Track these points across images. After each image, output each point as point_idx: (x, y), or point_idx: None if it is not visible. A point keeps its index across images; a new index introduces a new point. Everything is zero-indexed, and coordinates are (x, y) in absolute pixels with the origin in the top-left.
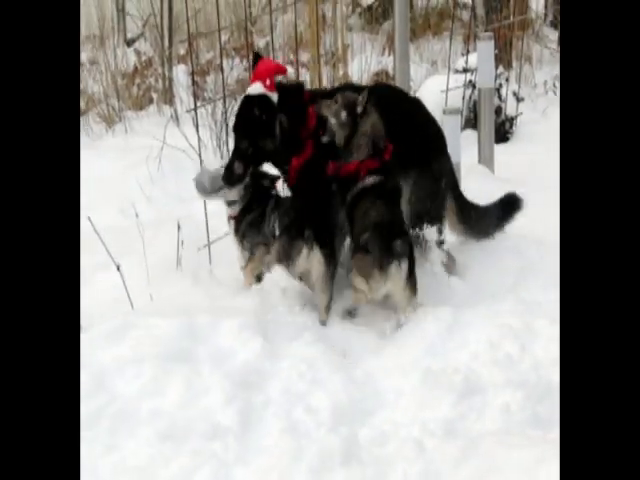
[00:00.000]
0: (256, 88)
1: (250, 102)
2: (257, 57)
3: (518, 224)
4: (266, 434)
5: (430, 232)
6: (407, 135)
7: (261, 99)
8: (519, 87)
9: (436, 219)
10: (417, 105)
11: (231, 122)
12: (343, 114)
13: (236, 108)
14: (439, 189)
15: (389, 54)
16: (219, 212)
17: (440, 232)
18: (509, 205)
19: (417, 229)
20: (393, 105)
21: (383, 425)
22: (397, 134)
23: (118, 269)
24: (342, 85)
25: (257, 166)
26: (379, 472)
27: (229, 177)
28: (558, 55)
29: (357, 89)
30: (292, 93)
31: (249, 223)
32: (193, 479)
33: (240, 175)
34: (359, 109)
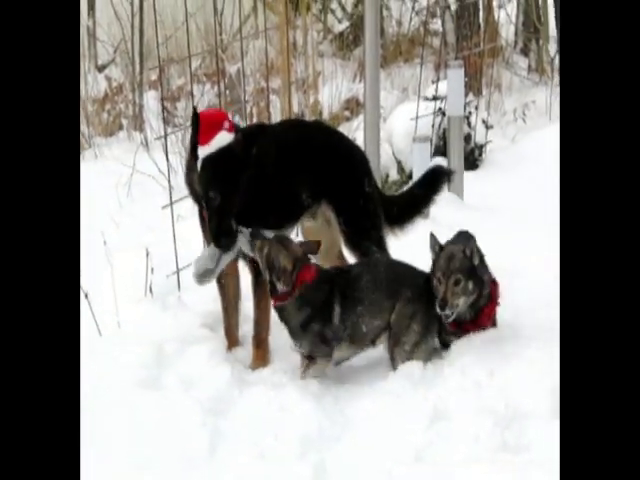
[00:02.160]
0: (223, 138)
1: (232, 152)
2: (195, 112)
3: (488, 250)
4: (235, 461)
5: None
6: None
7: (242, 146)
8: (488, 114)
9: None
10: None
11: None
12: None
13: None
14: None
15: (360, 80)
16: (187, 239)
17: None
18: (434, 178)
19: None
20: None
21: (352, 452)
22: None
23: (86, 297)
24: (284, 121)
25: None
26: None
27: (229, 241)
28: (528, 82)
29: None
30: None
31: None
32: None
33: (236, 232)
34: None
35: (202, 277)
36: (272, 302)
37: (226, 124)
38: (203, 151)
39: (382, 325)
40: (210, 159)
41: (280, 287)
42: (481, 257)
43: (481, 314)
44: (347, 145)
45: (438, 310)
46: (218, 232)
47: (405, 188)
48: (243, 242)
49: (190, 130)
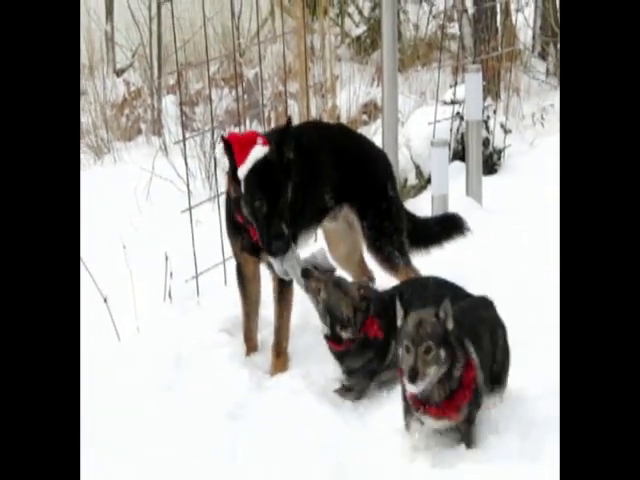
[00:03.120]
0: (259, 151)
1: (267, 161)
2: (226, 141)
3: (507, 255)
4: (254, 466)
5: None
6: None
7: (277, 152)
8: (507, 119)
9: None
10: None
11: (220, 153)
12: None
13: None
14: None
15: (378, 85)
16: (206, 243)
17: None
18: (450, 224)
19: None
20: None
21: (370, 456)
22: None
23: (105, 301)
24: (305, 123)
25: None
26: None
27: (282, 244)
28: (546, 86)
29: (322, 127)
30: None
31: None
32: None
33: (289, 236)
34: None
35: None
36: (331, 345)
37: (259, 140)
38: (242, 170)
39: None
40: (250, 174)
41: (344, 335)
42: (459, 324)
43: (450, 399)
44: (370, 148)
45: (407, 382)
46: (269, 237)
47: (422, 217)
48: (291, 262)
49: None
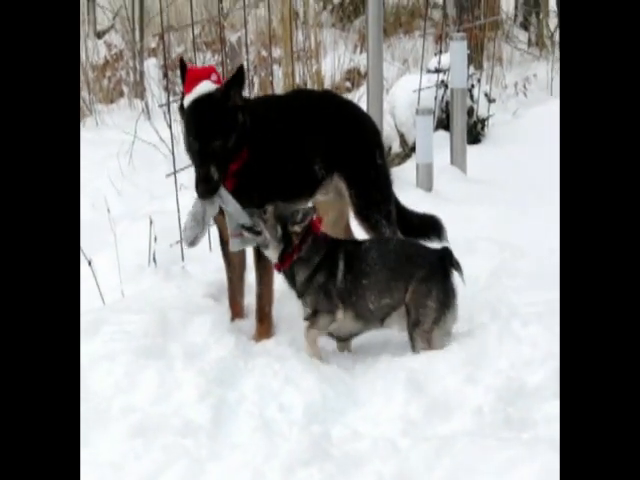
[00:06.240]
0: (206, 86)
1: (214, 98)
2: (183, 65)
3: (490, 226)
4: (239, 431)
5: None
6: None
7: (222, 92)
8: (490, 88)
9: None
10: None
11: None
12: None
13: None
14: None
15: (361, 52)
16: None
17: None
18: (431, 225)
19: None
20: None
21: (356, 424)
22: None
23: (89, 264)
24: (293, 91)
25: (227, 167)
26: (352, 470)
27: (207, 187)
28: (528, 56)
29: (309, 94)
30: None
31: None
32: (166, 475)
33: (217, 182)
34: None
35: (193, 243)
36: (278, 268)
37: (213, 77)
38: (185, 101)
39: (392, 304)
40: (190, 105)
41: (297, 228)
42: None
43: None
44: (359, 115)
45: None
46: (197, 179)
47: (406, 207)
48: (235, 208)
49: None
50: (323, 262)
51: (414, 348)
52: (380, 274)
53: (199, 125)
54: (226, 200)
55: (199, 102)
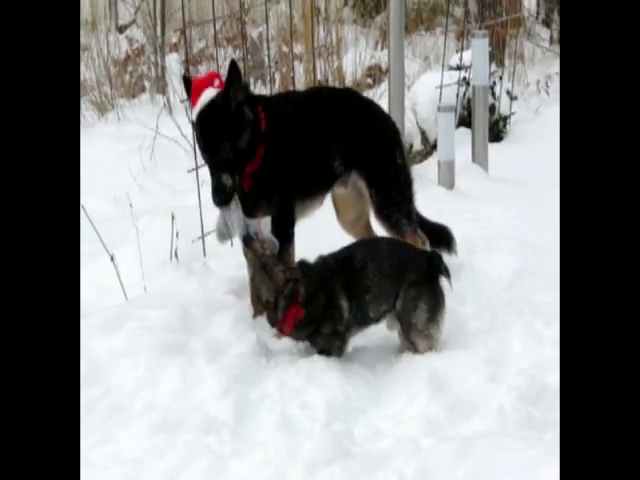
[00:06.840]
0: (209, 94)
1: (215, 104)
2: (187, 81)
3: (512, 224)
4: (261, 429)
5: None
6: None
7: (222, 95)
8: (512, 86)
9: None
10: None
11: None
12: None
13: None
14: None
15: (382, 48)
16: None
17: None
18: (442, 234)
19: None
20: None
21: (378, 423)
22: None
23: (112, 259)
24: (313, 88)
25: (242, 169)
26: (374, 469)
27: (221, 197)
28: (550, 54)
29: (329, 92)
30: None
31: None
32: (188, 472)
33: (231, 189)
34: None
35: (221, 240)
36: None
37: (215, 82)
38: (193, 115)
39: (387, 308)
40: (196, 117)
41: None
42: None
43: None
44: (379, 115)
45: None
46: (211, 189)
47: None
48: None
49: None
50: (323, 316)
51: (419, 349)
52: (380, 284)
53: (205, 136)
54: (232, 209)
55: (202, 112)
